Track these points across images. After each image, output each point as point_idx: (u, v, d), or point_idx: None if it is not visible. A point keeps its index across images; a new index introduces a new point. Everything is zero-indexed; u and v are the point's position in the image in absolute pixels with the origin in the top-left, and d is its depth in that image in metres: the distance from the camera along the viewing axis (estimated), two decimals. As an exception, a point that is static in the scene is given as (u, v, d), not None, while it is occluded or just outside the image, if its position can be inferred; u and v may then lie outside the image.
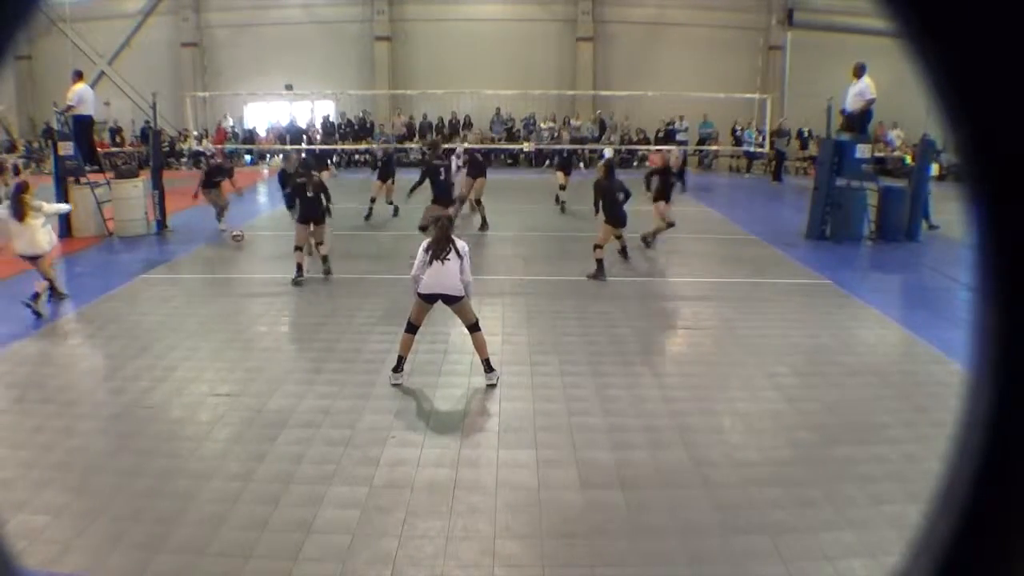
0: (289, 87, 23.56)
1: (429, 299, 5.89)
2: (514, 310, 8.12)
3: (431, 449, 4.88)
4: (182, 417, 5.51)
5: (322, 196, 9.25)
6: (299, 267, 9.13)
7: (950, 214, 12.74)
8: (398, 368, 5.98)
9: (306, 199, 9.18)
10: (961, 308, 7.92)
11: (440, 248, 5.79)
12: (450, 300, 5.86)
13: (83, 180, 12.41)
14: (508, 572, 3.65)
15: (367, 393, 5.77)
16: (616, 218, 9.48)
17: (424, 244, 5.90)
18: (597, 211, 9.65)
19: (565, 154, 17.34)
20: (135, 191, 12.76)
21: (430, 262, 5.77)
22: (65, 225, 12.28)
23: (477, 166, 13.18)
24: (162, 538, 3.87)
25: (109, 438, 5.11)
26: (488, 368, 5.95)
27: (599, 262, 9.41)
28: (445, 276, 5.76)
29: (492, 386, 5.89)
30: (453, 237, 5.89)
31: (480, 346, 5.96)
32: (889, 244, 12.00)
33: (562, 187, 15.20)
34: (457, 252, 5.79)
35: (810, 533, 3.94)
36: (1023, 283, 0.39)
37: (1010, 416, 0.39)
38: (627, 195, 9.46)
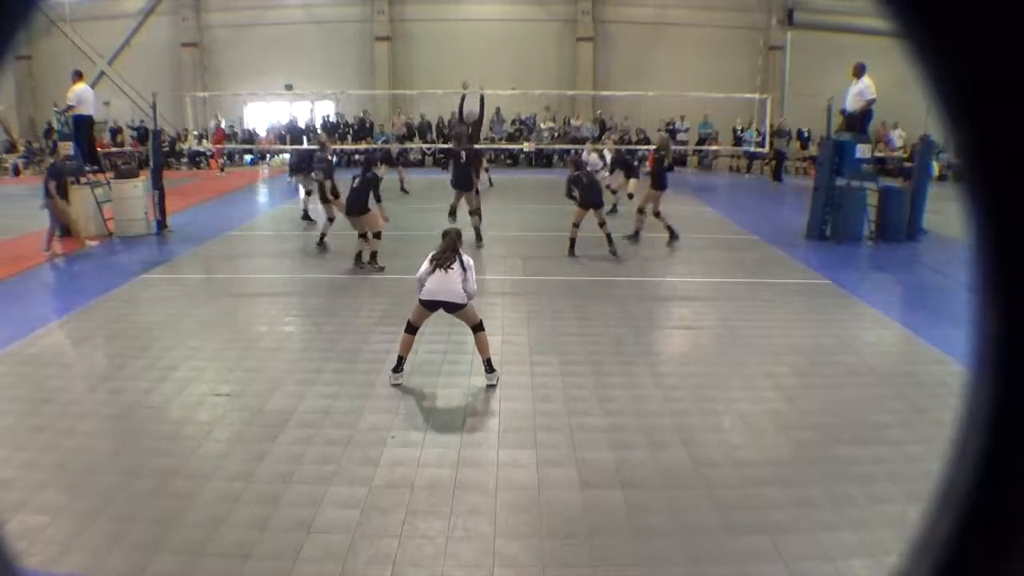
0: (289, 87, 23.57)
1: (430, 306, 5.90)
2: (514, 310, 8.12)
3: (431, 449, 4.88)
4: (182, 417, 5.51)
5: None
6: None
7: (949, 214, 12.73)
8: (398, 368, 5.98)
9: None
10: (961, 308, 7.90)
11: (444, 259, 5.85)
12: (453, 308, 5.89)
13: (83, 180, 12.41)
14: (508, 572, 3.65)
15: (367, 393, 5.78)
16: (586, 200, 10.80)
17: (430, 254, 5.96)
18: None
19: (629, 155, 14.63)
20: (135, 191, 12.77)
21: (433, 270, 5.82)
22: (65, 225, 12.29)
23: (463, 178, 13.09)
24: (162, 538, 3.87)
25: (109, 438, 5.11)
26: (489, 368, 5.96)
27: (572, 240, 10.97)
28: (448, 283, 5.79)
29: (492, 387, 5.89)
30: (460, 251, 5.94)
31: (482, 346, 5.96)
32: (889, 244, 12.01)
33: (631, 195, 13.99)
34: (461, 264, 5.85)
35: (810, 533, 3.94)
36: (1023, 283, 0.39)
37: (1010, 416, 0.39)
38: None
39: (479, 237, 11.64)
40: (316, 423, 5.24)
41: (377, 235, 9.90)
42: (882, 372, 6.42)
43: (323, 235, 11.39)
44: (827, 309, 8.32)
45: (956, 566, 0.41)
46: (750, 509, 4.17)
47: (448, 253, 5.87)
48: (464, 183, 11.48)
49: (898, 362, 6.81)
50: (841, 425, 5.30)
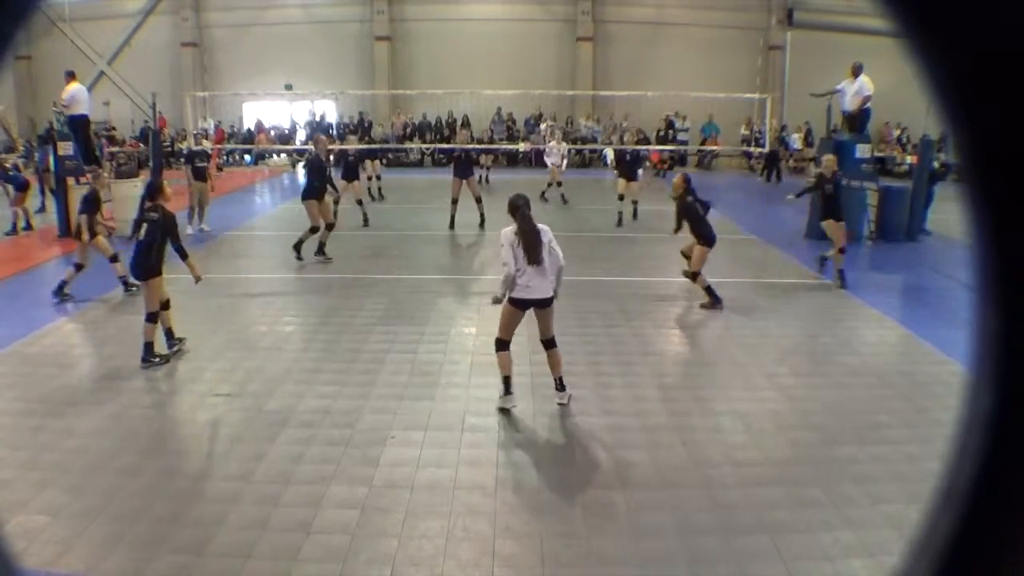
0: (289, 87, 23.57)
1: (525, 306, 5.33)
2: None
3: (431, 449, 4.88)
4: (182, 417, 5.51)
5: (167, 239, 6.59)
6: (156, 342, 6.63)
7: (950, 214, 12.74)
8: (508, 391, 5.42)
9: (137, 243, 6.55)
10: (961, 308, 7.91)
11: (533, 245, 5.13)
12: (543, 304, 5.34)
13: (82, 180, 12.41)
14: (508, 572, 3.65)
15: (367, 393, 5.77)
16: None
17: (509, 238, 5.20)
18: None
19: (628, 157, 14.17)
20: (135, 191, 12.75)
21: (526, 265, 5.15)
22: (65, 225, 12.30)
23: (463, 166, 13.17)
24: (162, 538, 3.87)
25: (109, 438, 5.10)
26: (560, 387, 5.54)
27: None
28: (543, 277, 5.23)
29: (563, 405, 5.51)
30: (539, 226, 5.24)
31: (556, 363, 5.51)
32: (889, 244, 12.00)
33: (621, 197, 13.46)
34: (543, 242, 5.19)
35: (810, 533, 3.94)
36: (1023, 283, 0.39)
37: (1010, 416, 0.39)
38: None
39: (483, 219, 12.81)
40: (316, 423, 5.24)
41: (329, 226, 10.42)
42: (882, 372, 6.42)
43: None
44: (827, 309, 8.32)
45: (956, 566, 0.41)
46: (750, 509, 4.17)
47: (532, 236, 5.10)
48: (467, 173, 13.08)
49: (898, 362, 6.81)
50: (841, 425, 5.30)
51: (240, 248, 11.88)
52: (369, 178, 16.46)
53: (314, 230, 10.27)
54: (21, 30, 0.42)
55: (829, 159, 9.78)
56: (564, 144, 17.50)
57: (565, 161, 16.67)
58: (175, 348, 6.67)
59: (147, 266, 6.46)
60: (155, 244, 6.45)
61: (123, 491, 4.34)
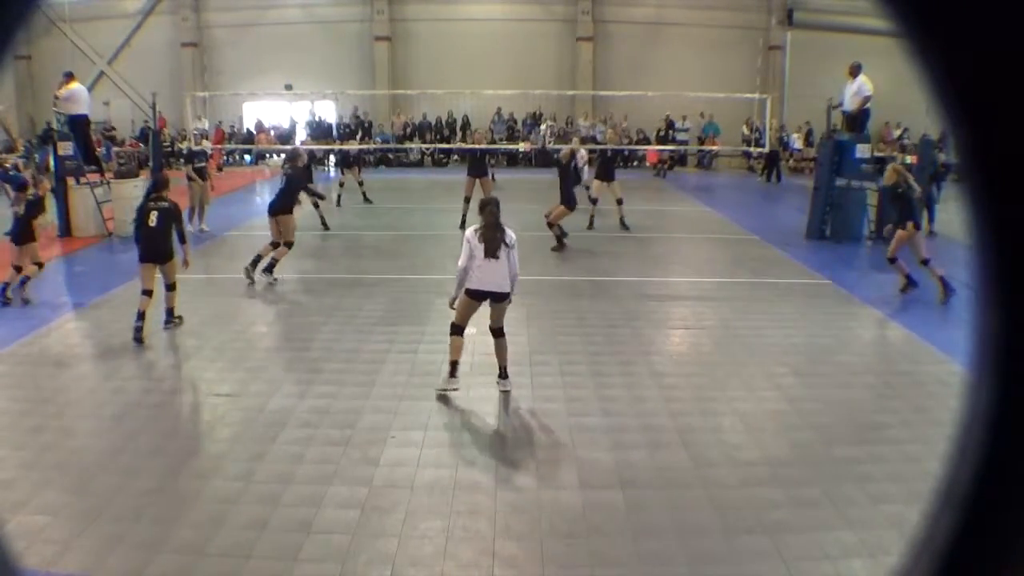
0: (289, 87, 23.58)
1: (479, 296, 5.59)
2: (514, 310, 8.08)
3: (431, 449, 4.88)
4: (182, 417, 5.51)
5: (173, 225, 7.26)
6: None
7: (950, 214, 12.74)
8: (453, 374, 5.64)
9: (148, 230, 7.14)
10: (961, 308, 7.91)
11: (491, 240, 5.44)
12: (498, 298, 5.60)
13: (82, 180, 12.42)
14: (508, 572, 3.65)
15: (367, 393, 5.77)
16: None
17: (471, 232, 5.54)
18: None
19: (609, 154, 14.05)
20: (135, 191, 12.76)
21: (485, 256, 5.45)
22: (65, 225, 12.31)
23: (478, 165, 13.14)
24: (162, 538, 3.87)
25: (109, 438, 5.10)
26: (503, 375, 5.78)
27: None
28: (496, 271, 5.48)
29: (506, 392, 5.73)
30: (503, 225, 5.54)
31: (502, 353, 5.76)
32: (889, 244, 11.98)
33: (594, 201, 12.78)
34: (506, 243, 5.49)
35: (810, 533, 3.94)
36: (1023, 283, 0.39)
37: (1010, 416, 0.39)
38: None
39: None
40: (316, 423, 5.24)
41: (288, 244, 9.34)
42: (882, 372, 6.42)
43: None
44: (827, 309, 8.32)
45: (956, 566, 0.41)
46: (750, 509, 4.17)
47: (492, 231, 5.44)
48: (481, 172, 13.09)
49: (898, 362, 6.81)
50: (841, 425, 5.30)
51: (240, 248, 11.84)
52: (361, 183, 15.86)
53: (289, 245, 9.34)
54: (21, 30, 0.42)
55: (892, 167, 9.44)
56: (584, 149, 17.09)
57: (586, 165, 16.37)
58: (170, 325, 7.43)
59: (165, 249, 7.26)
60: (168, 229, 7.25)
61: (123, 491, 4.34)
